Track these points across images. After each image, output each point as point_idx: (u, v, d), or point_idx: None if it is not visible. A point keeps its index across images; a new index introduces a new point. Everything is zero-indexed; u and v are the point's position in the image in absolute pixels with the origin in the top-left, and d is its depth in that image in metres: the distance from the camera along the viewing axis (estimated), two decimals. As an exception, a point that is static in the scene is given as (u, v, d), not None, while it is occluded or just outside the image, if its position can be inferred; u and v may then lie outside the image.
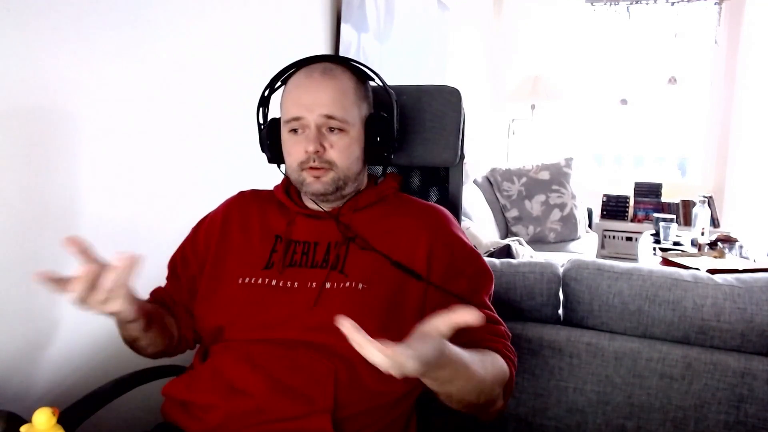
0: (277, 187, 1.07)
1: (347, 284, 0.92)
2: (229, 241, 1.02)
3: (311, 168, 0.94)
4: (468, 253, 0.99)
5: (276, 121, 1.02)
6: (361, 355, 0.88)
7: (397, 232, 0.97)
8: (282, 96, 1.00)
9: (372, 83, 1.05)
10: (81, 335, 1.19)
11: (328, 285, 0.92)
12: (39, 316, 1.09)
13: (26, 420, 0.74)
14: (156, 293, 1.08)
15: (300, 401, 0.86)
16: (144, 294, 1.05)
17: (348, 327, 0.62)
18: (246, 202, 1.07)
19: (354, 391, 0.88)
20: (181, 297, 1.05)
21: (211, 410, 0.89)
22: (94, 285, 0.73)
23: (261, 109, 1.05)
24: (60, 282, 0.72)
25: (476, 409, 0.85)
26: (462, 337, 0.86)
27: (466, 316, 0.66)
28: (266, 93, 1.04)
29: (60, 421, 0.73)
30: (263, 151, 1.05)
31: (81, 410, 0.93)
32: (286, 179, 1.06)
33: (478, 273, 0.99)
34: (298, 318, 0.91)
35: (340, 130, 0.95)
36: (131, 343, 0.96)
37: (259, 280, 0.95)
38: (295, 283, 0.94)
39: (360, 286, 0.92)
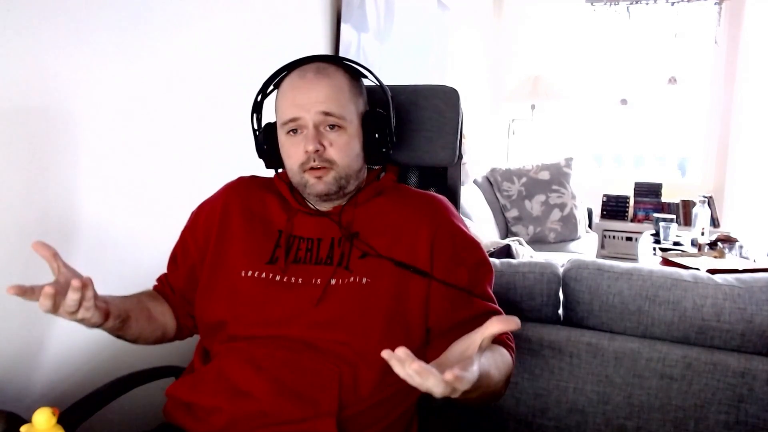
0: (278, 177, 1.05)
1: (351, 279, 0.93)
2: (229, 229, 1.01)
3: (312, 169, 0.94)
4: (469, 243, 0.99)
5: (272, 126, 1.02)
6: (364, 357, 0.89)
7: (399, 226, 0.97)
8: (276, 99, 0.99)
9: (367, 82, 1.05)
10: (81, 335, 1.18)
11: (333, 282, 0.93)
12: (39, 316, 1.09)
13: (26, 420, 0.74)
14: (159, 280, 1.09)
15: (305, 404, 0.86)
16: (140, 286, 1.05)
17: (400, 357, 0.61)
18: (246, 189, 1.06)
19: (358, 393, 0.88)
20: (179, 285, 1.05)
21: (216, 412, 0.89)
22: (59, 300, 0.76)
23: (255, 115, 1.05)
24: (30, 291, 0.73)
25: (481, 401, 0.86)
26: (468, 329, 0.87)
27: (500, 325, 0.67)
28: (259, 98, 1.04)
29: (60, 421, 0.73)
30: (260, 156, 1.05)
31: (81, 410, 0.93)
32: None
33: (479, 263, 0.99)
34: (303, 314, 0.91)
35: (339, 127, 0.94)
36: (118, 338, 0.97)
37: (263, 275, 0.95)
38: (299, 279, 0.94)
39: (364, 280, 0.92)
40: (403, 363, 0.61)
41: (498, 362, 0.84)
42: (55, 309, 0.75)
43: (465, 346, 0.70)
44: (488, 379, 0.75)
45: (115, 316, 0.88)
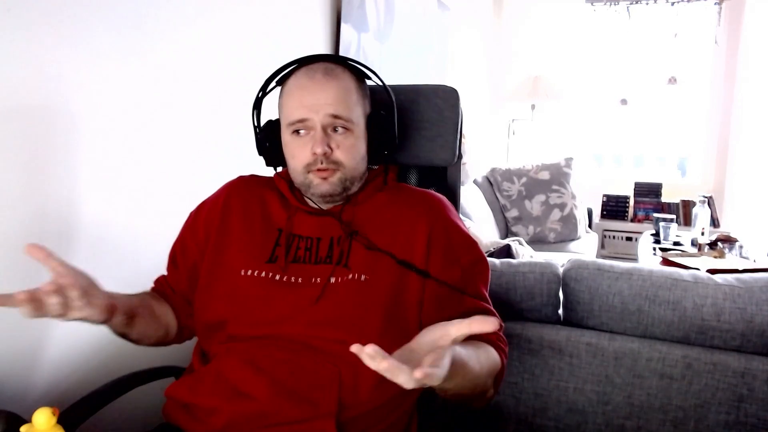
0: (278, 176, 1.06)
1: (350, 276, 0.93)
2: (229, 228, 1.01)
3: (318, 170, 0.94)
4: (465, 241, 0.99)
5: (273, 123, 1.01)
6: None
7: (397, 224, 0.97)
8: (281, 98, 0.98)
9: (370, 82, 1.05)
10: (81, 335, 1.19)
11: (332, 280, 0.93)
12: (39, 316, 1.09)
13: (26, 420, 0.74)
14: (158, 282, 1.08)
15: (304, 405, 0.86)
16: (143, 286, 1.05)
17: (370, 354, 0.61)
18: (246, 188, 1.06)
19: (357, 393, 0.88)
20: (180, 286, 1.05)
21: (215, 413, 0.88)
22: (42, 302, 0.74)
23: (256, 112, 1.05)
24: (7, 299, 0.72)
25: (468, 399, 0.86)
26: None
27: (484, 325, 0.65)
28: (260, 95, 1.04)
29: (60, 421, 0.73)
30: (260, 154, 1.05)
31: (81, 410, 0.93)
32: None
33: (475, 262, 0.99)
34: (302, 313, 0.91)
35: (346, 129, 0.94)
36: (122, 337, 0.96)
37: (262, 273, 0.95)
38: (299, 279, 0.94)
39: (363, 277, 0.92)
40: (374, 359, 0.61)
41: (481, 358, 0.83)
42: (43, 312, 0.74)
43: (438, 336, 0.69)
44: (465, 371, 0.75)
45: (121, 312, 0.88)
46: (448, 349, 0.66)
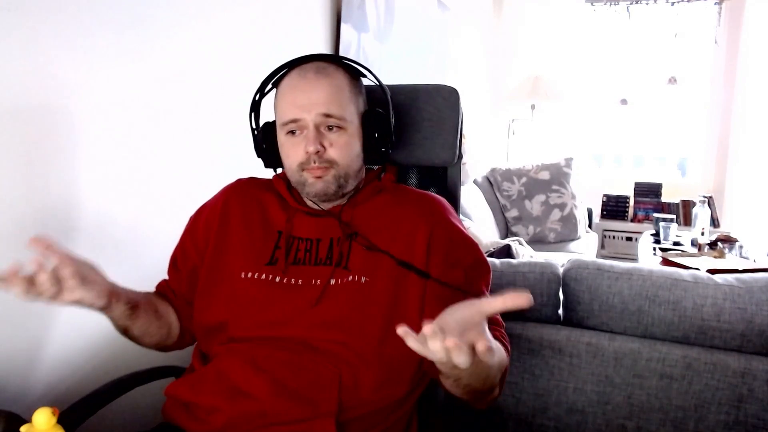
0: (277, 178, 1.06)
1: (350, 278, 0.93)
2: (229, 231, 1.01)
3: (312, 169, 0.94)
4: (466, 243, 0.99)
5: (270, 125, 1.02)
6: (363, 358, 0.89)
7: (397, 225, 0.97)
8: (276, 99, 0.99)
9: (367, 81, 1.05)
10: (81, 335, 1.19)
11: (332, 282, 0.93)
12: (38, 316, 1.10)
13: (26, 420, 0.74)
14: (160, 286, 1.08)
15: (304, 405, 0.86)
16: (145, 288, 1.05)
17: (429, 333, 0.61)
18: (245, 191, 1.06)
19: (357, 394, 0.88)
20: (180, 289, 1.05)
21: (215, 412, 0.89)
22: (33, 281, 0.75)
23: (253, 114, 1.05)
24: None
25: (477, 395, 0.85)
26: None
27: (518, 300, 0.64)
28: (257, 97, 1.04)
29: (60, 421, 0.73)
30: (259, 156, 1.05)
31: (81, 410, 0.93)
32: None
33: (476, 263, 0.99)
34: (302, 315, 0.91)
35: (339, 128, 0.94)
36: (125, 333, 0.97)
37: (263, 276, 0.95)
38: (299, 281, 0.94)
39: (363, 279, 0.92)
40: (434, 338, 0.60)
41: (493, 350, 0.83)
42: (36, 290, 0.75)
43: (469, 314, 0.67)
44: (488, 363, 0.74)
45: (124, 301, 0.89)
46: (484, 324, 0.66)
